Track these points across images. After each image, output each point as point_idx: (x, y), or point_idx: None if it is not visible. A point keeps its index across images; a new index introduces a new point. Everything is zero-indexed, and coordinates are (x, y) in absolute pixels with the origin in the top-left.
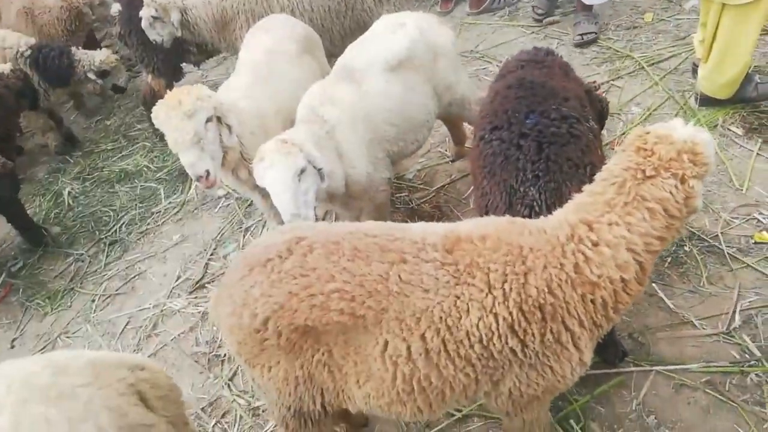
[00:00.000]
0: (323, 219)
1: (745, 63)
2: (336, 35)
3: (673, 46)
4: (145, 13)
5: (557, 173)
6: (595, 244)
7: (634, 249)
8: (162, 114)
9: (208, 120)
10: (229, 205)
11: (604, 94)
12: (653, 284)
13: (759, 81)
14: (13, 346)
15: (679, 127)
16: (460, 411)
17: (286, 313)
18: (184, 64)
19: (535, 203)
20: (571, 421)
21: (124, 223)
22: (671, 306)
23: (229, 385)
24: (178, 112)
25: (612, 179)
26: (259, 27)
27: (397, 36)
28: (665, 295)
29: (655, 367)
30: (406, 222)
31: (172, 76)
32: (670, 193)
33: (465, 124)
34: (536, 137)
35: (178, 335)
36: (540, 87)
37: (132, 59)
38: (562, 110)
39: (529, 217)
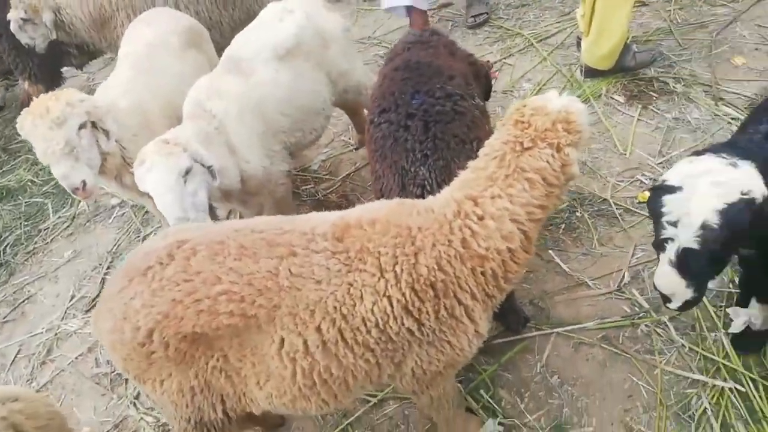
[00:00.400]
0: (227, 218)
1: (621, 34)
2: (225, 27)
3: (558, 22)
4: (13, 15)
5: (445, 150)
6: (481, 218)
7: (518, 219)
8: (27, 123)
9: (81, 126)
10: (124, 214)
11: (497, 73)
12: (549, 251)
13: (636, 50)
14: None
15: (553, 98)
16: (375, 396)
17: (172, 322)
18: (65, 67)
19: (426, 182)
20: (481, 391)
21: (8, 244)
22: (567, 270)
23: (134, 404)
24: (45, 121)
25: (493, 153)
26: (140, 20)
27: (284, 23)
28: (561, 260)
29: (555, 329)
30: None
31: (51, 81)
32: (547, 162)
33: (366, 111)
34: (422, 117)
35: (76, 358)
36: (426, 67)
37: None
38: (447, 88)
39: (422, 196)
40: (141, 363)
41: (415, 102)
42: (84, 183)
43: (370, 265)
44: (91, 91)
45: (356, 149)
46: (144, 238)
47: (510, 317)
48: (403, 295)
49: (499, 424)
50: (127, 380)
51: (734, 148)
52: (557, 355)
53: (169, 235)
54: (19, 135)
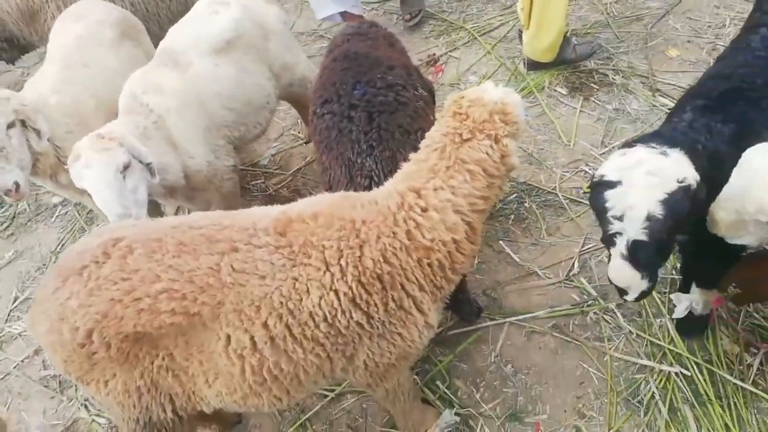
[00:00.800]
0: (175, 214)
1: (560, 27)
2: (164, 19)
3: (501, 15)
4: None
5: (390, 141)
6: (424, 210)
7: (461, 210)
8: None
9: (10, 126)
10: (67, 212)
11: (443, 66)
12: (500, 242)
13: (576, 43)
14: None
15: (489, 90)
16: (332, 390)
17: (111, 321)
18: None
19: (373, 173)
20: (438, 382)
21: None
22: (517, 260)
23: (85, 406)
24: None
25: (434, 145)
26: (69, 13)
27: (220, 17)
28: (511, 250)
29: (507, 319)
30: None
31: None
32: (487, 153)
33: None
34: (365, 107)
35: (22, 361)
36: (364, 57)
37: None
38: (388, 78)
39: (369, 187)
40: (83, 364)
41: (357, 92)
42: (17, 185)
43: (314, 259)
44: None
45: (306, 143)
46: None
47: (464, 308)
48: (350, 288)
49: (456, 414)
50: None
51: (661, 137)
52: (510, 344)
53: (104, 233)
54: None
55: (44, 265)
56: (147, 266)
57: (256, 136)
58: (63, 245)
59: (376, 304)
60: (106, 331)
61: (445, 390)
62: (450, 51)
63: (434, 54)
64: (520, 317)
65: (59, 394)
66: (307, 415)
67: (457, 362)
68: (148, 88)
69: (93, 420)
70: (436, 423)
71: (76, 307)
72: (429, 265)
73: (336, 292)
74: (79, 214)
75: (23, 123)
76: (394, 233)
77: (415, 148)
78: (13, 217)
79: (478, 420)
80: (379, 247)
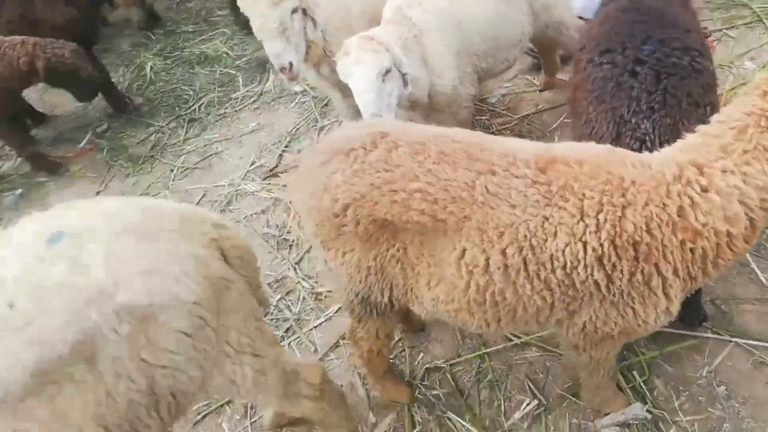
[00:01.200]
0: None
1: None
2: None
3: None
4: None
5: (675, 108)
6: (705, 190)
7: (748, 203)
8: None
9: (294, 11)
10: (305, 102)
11: (714, 43)
12: (747, 254)
13: None
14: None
15: None
16: (519, 338)
17: (367, 203)
18: None
19: (647, 137)
20: (635, 373)
21: (203, 103)
22: (763, 280)
23: (295, 268)
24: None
25: (731, 123)
26: None
27: None
28: (758, 267)
29: (734, 339)
30: None
31: None
32: None
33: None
34: (654, 66)
35: (251, 215)
36: (659, 14)
37: None
38: (685, 41)
39: (639, 151)
40: (331, 231)
41: (647, 48)
42: (291, 64)
43: (571, 204)
44: None
45: (540, 91)
46: (321, 128)
47: (690, 309)
48: (601, 245)
49: (648, 411)
50: (291, 245)
51: None
52: (731, 366)
53: (370, 126)
54: (219, 9)
55: (279, 141)
56: (409, 164)
57: (500, 72)
58: (297, 129)
59: (622, 270)
60: (360, 210)
61: (641, 384)
62: (726, 28)
63: (706, 28)
64: (753, 342)
65: (275, 251)
66: (487, 350)
67: (661, 361)
68: (413, 2)
69: (299, 282)
70: (623, 411)
71: (340, 182)
72: (692, 250)
73: (584, 244)
74: (315, 106)
75: (304, 11)
76: (664, 204)
77: (702, 123)
78: (260, 94)
79: (670, 427)
80: (644, 214)
